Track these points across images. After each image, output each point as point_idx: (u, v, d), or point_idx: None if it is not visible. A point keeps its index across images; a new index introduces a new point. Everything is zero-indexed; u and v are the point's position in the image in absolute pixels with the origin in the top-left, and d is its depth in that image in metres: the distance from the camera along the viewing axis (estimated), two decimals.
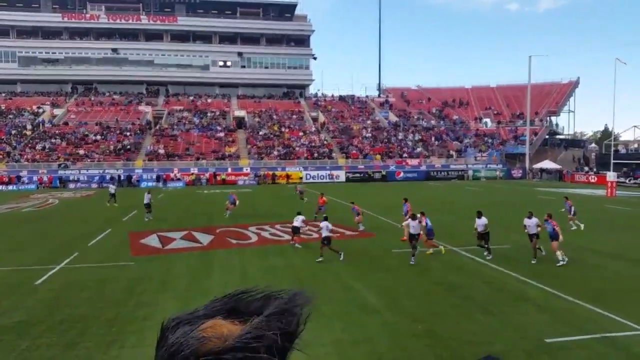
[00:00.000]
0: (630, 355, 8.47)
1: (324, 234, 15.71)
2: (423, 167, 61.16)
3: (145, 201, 26.18)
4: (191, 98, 76.52)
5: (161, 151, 58.64)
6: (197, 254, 17.46)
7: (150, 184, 53.35)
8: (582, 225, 21.18)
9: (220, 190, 44.75)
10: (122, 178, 53.32)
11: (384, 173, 58.93)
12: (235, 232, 21.57)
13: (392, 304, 11.35)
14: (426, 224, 16.76)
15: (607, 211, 29.14)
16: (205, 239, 20.28)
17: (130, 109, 70.75)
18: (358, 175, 58.46)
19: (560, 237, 14.91)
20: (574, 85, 76.28)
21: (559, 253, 14.88)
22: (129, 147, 59.28)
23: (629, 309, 10.69)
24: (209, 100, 76.40)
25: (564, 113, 77.19)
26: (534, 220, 15.41)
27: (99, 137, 61.40)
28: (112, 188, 33.80)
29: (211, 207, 31.22)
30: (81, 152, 57.39)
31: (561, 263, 14.73)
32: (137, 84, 79.05)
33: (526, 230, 15.71)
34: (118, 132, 62.96)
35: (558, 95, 75.10)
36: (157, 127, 65.76)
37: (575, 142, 76.32)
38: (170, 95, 78.44)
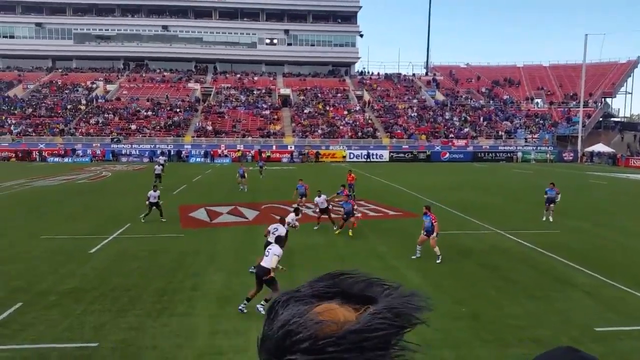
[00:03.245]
0: None
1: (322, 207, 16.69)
2: (470, 148, 59.83)
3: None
4: (238, 76, 77.34)
5: (209, 128, 59.86)
6: (243, 228, 17.88)
7: (198, 159, 54.77)
8: (550, 218, 19.03)
9: (265, 167, 45.29)
10: (172, 153, 54.94)
11: (428, 153, 58.07)
12: (279, 209, 21.86)
13: (435, 285, 11.32)
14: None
15: None
16: (250, 214, 20.71)
17: (179, 86, 72.30)
18: (402, 155, 57.86)
19: (435, 232, 13.13)
20: (633, 65, 72.27)
21: (437, 249, 13.13)
22: (178, 123, 60.79)
23: None
24: (256, 78, 77.01)
25: (621, 94, 73.58)
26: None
27: (150, 112, 63.22)
28: (157, 168, 31.10)
29: (257, 183, 31.72)
30: (133, 127, 59.31)
31: (440, 260, 13.07)
32: (186, 61, 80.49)
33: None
34: (168, 108, 64.59)
35: (615, 75, 71.41)
36: (206, 104, 67.02)
37: (631, 125, 72.55)
38: (218, 73, 79.54)
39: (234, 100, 68.51)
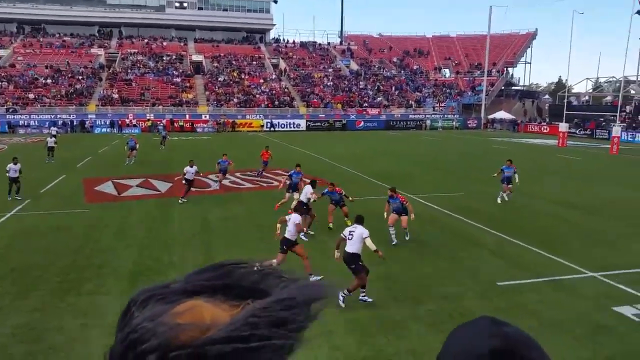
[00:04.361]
0: (576, 297, 9.01)
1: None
2: (383, 117, 61.42)
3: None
4: (146, 41, 73.08)
5: (115, 96, 56.39)
6: (155, 201, 17.20)
7: (105, 130, 51.69)
8: (506, 198, 16.98)
9: (177, 138, 43.74)
10: (74, 123, 51.34)
11: (344, 122, 58.90)
12: (195, 180, 21.25)
13: None
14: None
15: (559, 161, 30.30)
16: (163, 186, 19.95)
17: (81, 52, 67.06)
18: (319, 124, 58.22)
19: (412, 214, 12.50)
20: (531, 36, 77.08)
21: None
22: (81, 91, 56.69)
23: (576, 254, 11.32)
24: (165, 44, 73.23)
25: (521, 64, 78.38)
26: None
27: (49, 80, 58.26)
28: (50, 140, 27.28)
29: (170, 153, 30.53)
30: (31, 96, 54.47)
31: (408, 237, 12.52)
32: (88, 26, 74.54)
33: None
34: (69, 75, 59.88)
35: (516, 46, 75.86)
36: (111, 71, 62.89)
37: (530, 93, 77.94)
38: (124, 38, 74.64)
39: (141, 66, 64.86)
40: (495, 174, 17.49)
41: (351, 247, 8.68)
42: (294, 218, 9.55)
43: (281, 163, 23.75)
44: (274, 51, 75.79)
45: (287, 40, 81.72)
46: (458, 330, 0.79)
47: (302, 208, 10.80)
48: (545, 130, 56.19)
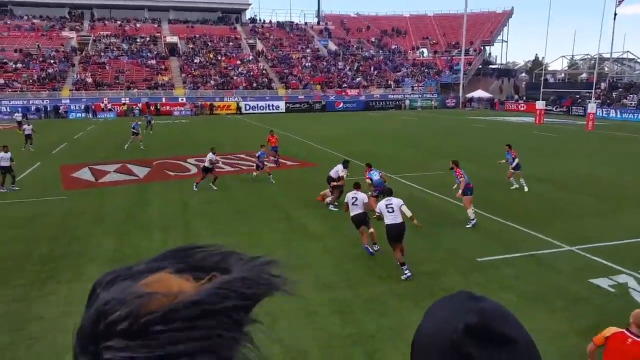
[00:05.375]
0: (553, 270, 9.21)
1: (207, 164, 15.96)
2: (362, 97, 61.30)
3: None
4: (119, 23, 71.30)
5: (89, 80, 55.10)
6: (133, 187, 16.97)
7: (79, 115, 50.61)
8: (525, 187, 15.79)
9: (154, 121, 43.01)
10: (48, 109, 50.07)
11: (323, 103, 58.64)
12: (174, 164, 21.04)
13: (333, 230, 11.65)
14: (370, 178, 13.42)
15: (535, 138, 30.73)
16: (141, 171, 19.67)
17: (52, 35, 65.08)
18: (298, 105, 57.83)
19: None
20: (508, 15, 77.37)
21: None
22: (53, 75, 55.20)
23: (553, 229, 11.55)
24: (138, 25, 71.57)
25: (498, 43, 78.71)
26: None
27: (19, 64, 56.53)
28: (27, 128, 26.18)
29: (147, 138, 30.07)
30: (0, 81, 52.88)
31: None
32: (58, 7, 72.21)
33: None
34: (41, 59, 58.19)
35: (492, 24, 76.08)
36: (83, 55, 61.29)
37: (507, 72, 78.49)
38: (96, 20, 72.65)
39: (115, 49, 63.36)
40: (504, 161, 16.57)
41: (396, 218, 8.89)
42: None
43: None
44: (250, 32, 74.70)
45: (264, 21, 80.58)
46: (435, 306, 0.78)
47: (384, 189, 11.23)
48: (522, 108, 56.79)
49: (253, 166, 19.83)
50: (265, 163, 17.90)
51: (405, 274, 8.72)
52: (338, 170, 14.14)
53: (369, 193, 12.32)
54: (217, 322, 0.63)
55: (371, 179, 13.24)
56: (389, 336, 6.85)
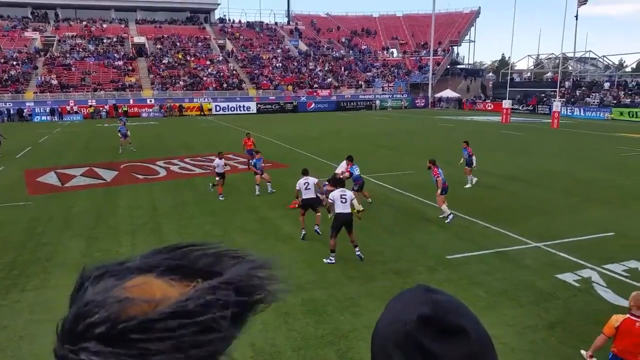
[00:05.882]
0: (521, 266, 9.43)
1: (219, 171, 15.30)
2: (334, 98, 61.51)
3: None
4: (84, 23, 69.74)
5: (54, 82, 53.73)
6: (101, 190, 16.62)
7: (44, 118, 49.33)
8: (469, 184, 16.30)
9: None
10: (12, 112, 48.62)
11: (295, 104, 58.58)
12: (142, 167, 20.70)
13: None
14: (351, 172, 13.89)
15: (502, 136, 31.38)
16: (108, 175, 19.29)
17: (14, 36, 63.21)
18: (269, 106, 57.62)
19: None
20: (475, 14, 78.80)
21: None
22: (16, 77, 53.61)
23: (521, 226, 11.81)
24: (105, 26, 70.15)
25: (465, 43, 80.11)
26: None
27: None
28: None
29: (114, 141, 29.49)
30: None
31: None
32: (20, 7, 70.19)
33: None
34: (2, 61, 56.43)
35: (460, 24, 77.38)
36: (48, 56, 59.70)
37: (474, 72, 79.93)
38: (61, 20, 70.89)
39: (81, 50, 61.94)
40: (462, 160, 16.77)
41: (346, 208, 9.71)
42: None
43: (232, 147, 23.41)
44: (219, 32, 74.10)
45: (233, 21, 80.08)
46: (393, 300, 0.81)
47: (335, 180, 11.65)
48: (489, 108, 57.91)
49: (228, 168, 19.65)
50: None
51: (357, 253, 9.74)
52: (342, 167, 14.53)
53: (354, 188, 13.24)
54: (196, 333, 0.62)
55: (351, 173, 13.75)
56: (362, 335, 6.90)
